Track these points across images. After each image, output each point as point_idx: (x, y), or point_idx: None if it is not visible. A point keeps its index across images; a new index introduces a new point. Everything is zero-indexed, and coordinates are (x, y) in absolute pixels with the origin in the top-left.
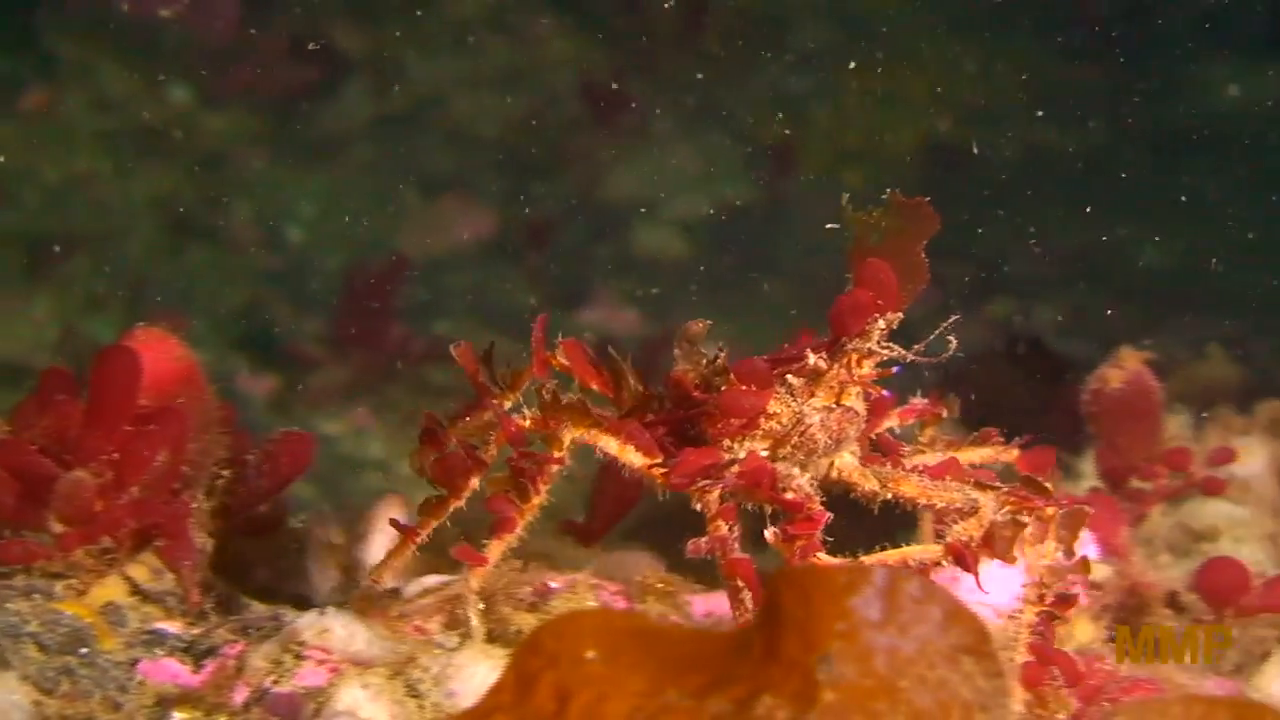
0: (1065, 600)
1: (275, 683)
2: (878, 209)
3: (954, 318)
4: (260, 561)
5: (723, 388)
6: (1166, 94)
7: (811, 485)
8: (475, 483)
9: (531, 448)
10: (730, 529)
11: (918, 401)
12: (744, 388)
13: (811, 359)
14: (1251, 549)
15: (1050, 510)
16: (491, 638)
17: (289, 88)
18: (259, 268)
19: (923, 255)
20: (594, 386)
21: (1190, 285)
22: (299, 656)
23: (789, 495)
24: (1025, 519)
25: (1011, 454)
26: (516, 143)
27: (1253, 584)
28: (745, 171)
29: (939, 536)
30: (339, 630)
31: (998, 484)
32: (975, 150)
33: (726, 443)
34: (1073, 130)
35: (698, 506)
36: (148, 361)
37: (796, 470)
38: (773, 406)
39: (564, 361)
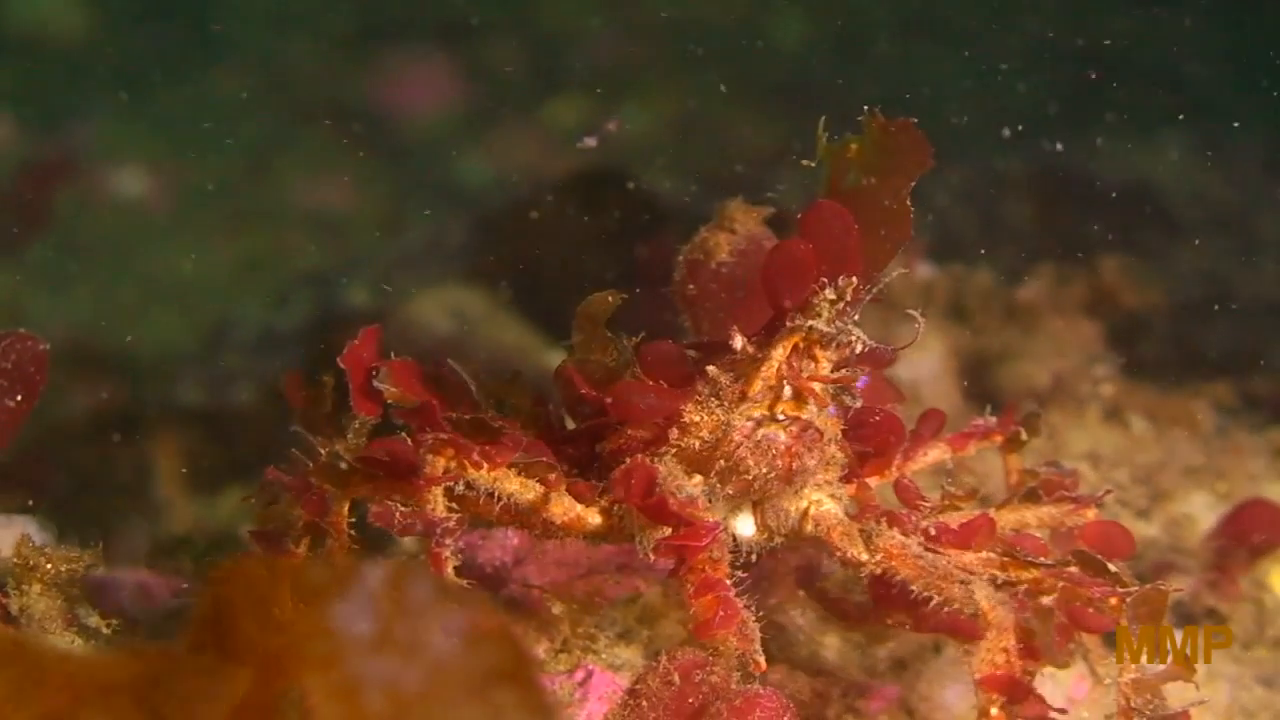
0: None
1: None
2: (856, 138)
3: (901, 270)
4: None
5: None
6: None
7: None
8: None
9: None
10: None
11: (980, 421)
12: (647, 382)
13: (738, 342)
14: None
15: (1114, 600)
16: None
17: None
18: None
19: (906, 200)
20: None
21: None
22: None
23: (669, 501)
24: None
25: (1083, 517)
26: None
27: None
28: None
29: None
30: None
31: (1044, 559)
32: None
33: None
34: None
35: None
36: None
37: (692, 484)
38: (690, 414)
39: (392, 390)
